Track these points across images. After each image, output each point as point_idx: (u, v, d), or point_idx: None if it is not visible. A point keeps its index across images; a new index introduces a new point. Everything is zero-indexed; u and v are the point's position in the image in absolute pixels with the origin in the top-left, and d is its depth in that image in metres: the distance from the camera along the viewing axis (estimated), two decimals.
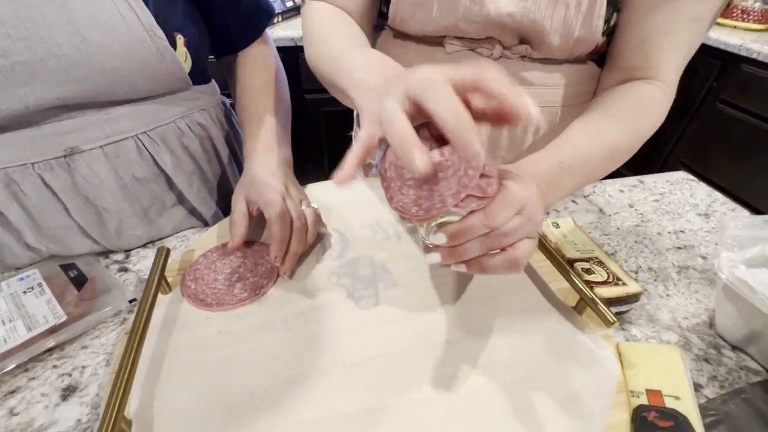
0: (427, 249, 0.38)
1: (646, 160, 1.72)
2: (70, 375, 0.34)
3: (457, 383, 0.32)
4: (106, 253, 0.47)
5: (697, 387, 0.34)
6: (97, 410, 0.32)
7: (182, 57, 0.42)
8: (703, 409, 0.30)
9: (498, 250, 0.29)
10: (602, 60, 0.49)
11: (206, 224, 0.54)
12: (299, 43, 1.38)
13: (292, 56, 1.39)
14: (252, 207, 0.43)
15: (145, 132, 0.43)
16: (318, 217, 0.44)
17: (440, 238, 0.28)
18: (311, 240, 0.42)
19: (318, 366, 0.33)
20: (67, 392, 0.33)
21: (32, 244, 0.42)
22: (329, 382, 0.32)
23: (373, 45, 0.54)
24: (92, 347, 0.37)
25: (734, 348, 0.37)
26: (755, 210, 1.33)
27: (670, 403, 0.30)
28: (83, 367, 0.35)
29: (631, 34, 0.42)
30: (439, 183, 0.28)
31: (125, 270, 0.45)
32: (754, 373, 0.35)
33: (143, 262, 0.46)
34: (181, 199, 0.50)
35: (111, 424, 0.25)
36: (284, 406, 0.30)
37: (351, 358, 0.34)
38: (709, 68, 1.40)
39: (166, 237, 0.50)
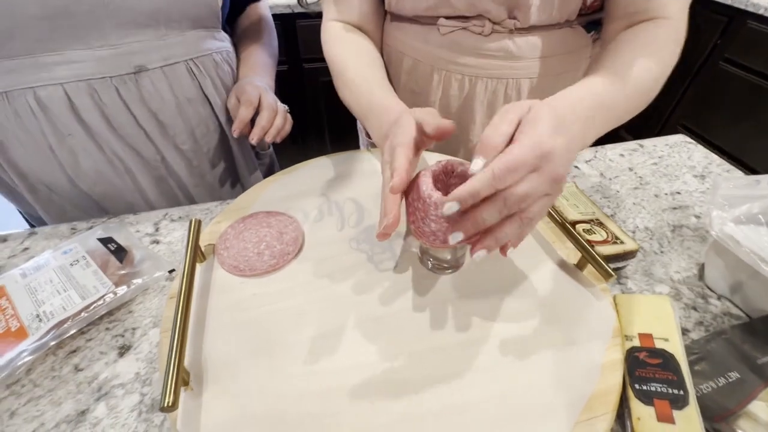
0: (435, 267, 0.41)
1: (646, 122, 1.73)
2: (123, 336, 0.38)
3: (470, 332, 0.36)
4: (129, 217, 0.50)
5: (685, 331, 0.38)
6: (152, 364, 0.36)
7: None
8: (688, 349, 0.34)
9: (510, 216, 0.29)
10: (591, 26, 0.50)
11: (230, 153, 0.66)
12: (296, 10, 1.35)
13: (290, 24, 1.36)
14: (240, 99, 0.57)
15: (192, 59, 0.55)
16: (287, 113, 0.59)
17: (452, 207, 0.28)
18: (278, 123, 0.57)
19: (345, 321, 0.37)
20: (123, 350, 0.37)
21: (106, 150, 0.53)
22: (356, 334, 0.36)
23: (383, 36, 0.61)
24: (138, 311, 0.40)
25: (720, 297, 0.41)
26: (751, 170, 1.36)
27: (659, 344, 0.34)
28: (133, 329, 0.39)
29: None
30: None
31: (157, 242, 0.48)
32: (736, 318, 0.39)
33: (173, 234, 0.49)
34: (218, 126, 0.63)
35: (175, 373, 0.29)
36: (317, 356, 0.34)
37: (374, 313, 0.37)
38: (714, 25, 1.38)
39: (194, 205, 0.53)
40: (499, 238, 0.30)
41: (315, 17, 1.40)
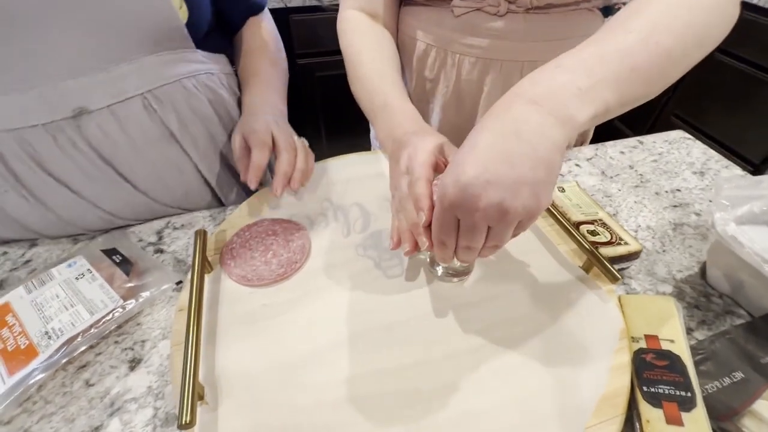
0: (444, 275, 0.41)
1: (640, 111, 1.73)
2: (132, 349, 0.38)
3: (480, 337, 0.36)
4: (137, 223, 0.50)
5: (689, 330, 0.39)
6: (164, 377, 0.36)
7: (177, 3, 0.42)
8: (694, 349, 0.35)
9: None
10: (608, 10, 0.50)
11: (214, 192, 0.56)
12: (289, 4, 1.32)
13: (283, 18, 1.33)
14: (248, 140, 0.47)
15: (150, 91, 0.44)
16: (307, 147, 0.50)
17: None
18: (301, 165, 0.47)
19: (356, 330, 0.37)
20: (134, 363, 0.37)
21: (50, 205, 0.45)
22: (367, 343, 0.36)
23: (398, 23, 0.60)
24: (146, 324, 0.40)
25: (721, 296, 0.42)
26: (746, 160, 1.37)
27: (665, 346, 0.35)
28: (143, 341, 0.39)
29: None
30: None
31: (161, 251, 0.48)
32: (738, 316, 0.40)
33: (177, 243, 0.49)
34: (195, 168, 0.52)
35: (191, 391, 0.29)
36: (330, 364, 0.35)
37: (384, 321, 0.38)
38: None
39: (189, 212, 0.52)
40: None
41: (308, 12, 1.37)
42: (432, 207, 0.32)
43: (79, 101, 0.40)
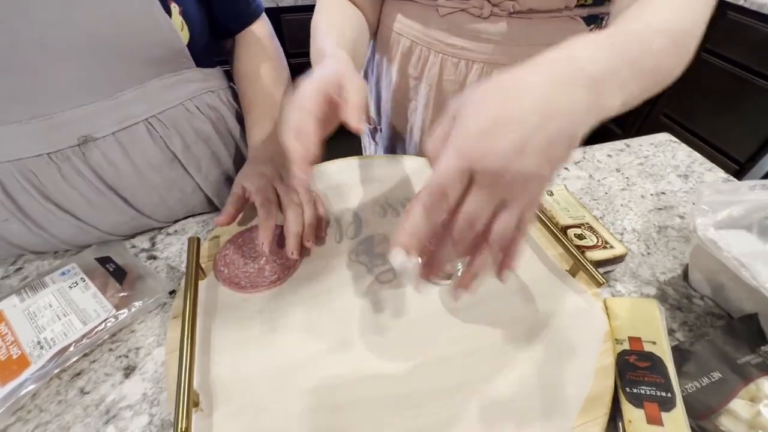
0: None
1: (630, 113, 1.76)
2: (127, 356, 0.39)
3: (469, 340, 0.37)
4: (129, 239, 0.50)
5: (671, 331, 0.40)
6: (158, 384, 0.36)
7: (178, 26, 0.42)
8: (675, 350, 0.36)
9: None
10: (591, 19, 0.50)
11: (216, 207, 0.56)
12: (281, 4, 1.32)
13: (275, 18, 1.33)
14: (247, 192, 0.45)
15: (154, 116, 0.44)
16: (316, 198, 0.47)
17: (402, 262, 0.25)
18: (309, 220, 0.43)
19: (349, 335, 0.38)
20: (128, 371, 0.37)
21: (52, 231, 0.44)
22: (361, 348, 0.37)
23: (381, 17, 0.59)
24: (140, 331, 0.40)
25: (703, 297, 0.43)
26: (732, 159, 1.40)
27: (648, 347, 0.36)
28: (137, 349, 0.39)
29: None
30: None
31: (154, 258, 0.48)
32: (718, 317, 0.41)
33: (169, 249, 0.49)
34: (197, 187, 0.52)
35: (186, 398, 0.30)
36: (326, 369, 0.35)
37: (377, 325, 0.38)
38: None
39: (184, 219, 0.52)
40: (475, 273, 0.27)
41: (300, 11, 1.37)
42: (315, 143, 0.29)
43: (85, 129, 0.40)
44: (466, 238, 0.24)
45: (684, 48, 0.32)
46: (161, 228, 0.51)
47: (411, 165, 0.56)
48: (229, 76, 0.58)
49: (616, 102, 0.26)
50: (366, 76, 0.71)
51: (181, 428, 0.28)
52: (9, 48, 0.34)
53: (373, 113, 0.72)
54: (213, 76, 0.51)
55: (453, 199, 0.23)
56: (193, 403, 0.32)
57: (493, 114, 0.23)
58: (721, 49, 1.36)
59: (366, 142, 0.80)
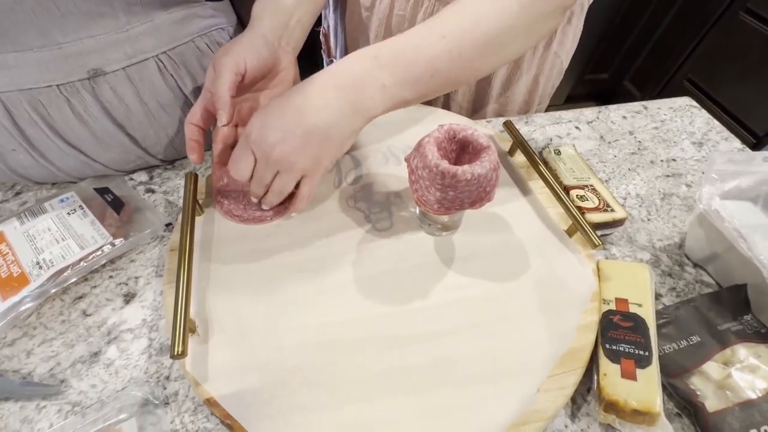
0: (433, 229, 0.42)
1: (651, 73, 1.67)
2: (126, 284, 0.40)
3: (458, 292, 0.38)
4: (128, 173, 0.49)
5: (658, 296, 0.41)
6: (157, 311, 0.38)
7: None
8: (659, 314, 0.37)
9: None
10: None
11: None
12: None
13: None
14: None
15: (165, 52, 0.43)
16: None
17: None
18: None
19: (342, 278, 0.38)
20: (128, 297, 0.39)
21: (57, 164, 0.44)
22: (353, 291, 0.38)
23: None
24: (139, 261, 0.41)
25: (695, 265, 0.44)
26: (751, 132, 1.35)
27: (633, 309, 0.37)
28: (136, 278, 0.40)
29: None
30: (462, 192, 0.33)
31: (152, 191, 0.48)
32: (707, 286, 0.42)
33: (168, 183, 0.48)
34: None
35: (182, 325, 0.31)
36: (316, 310, 0.36)
37: (370, 271, 0.39)
38: None
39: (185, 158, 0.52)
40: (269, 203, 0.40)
41: None
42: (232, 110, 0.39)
43: (95, 62, 0.39)
44: (261, 188, 0.39)
45: (468, 50, 0.35)
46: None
47: (414, 114, 0.54)
48: (237, 9, 0.54)
49: (376, 104, 0.35)
50: (326, 5, 0.68)
51: (178, 351, 0.30)
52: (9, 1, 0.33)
53: (332, 44, 0.71)
54: (222, 11, 0.49)
55: (246, 162, 0.36)
56: (190, 329, 0.33)
57: (269, 117, 0.35)
58: (763, 11, 1.25)
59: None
